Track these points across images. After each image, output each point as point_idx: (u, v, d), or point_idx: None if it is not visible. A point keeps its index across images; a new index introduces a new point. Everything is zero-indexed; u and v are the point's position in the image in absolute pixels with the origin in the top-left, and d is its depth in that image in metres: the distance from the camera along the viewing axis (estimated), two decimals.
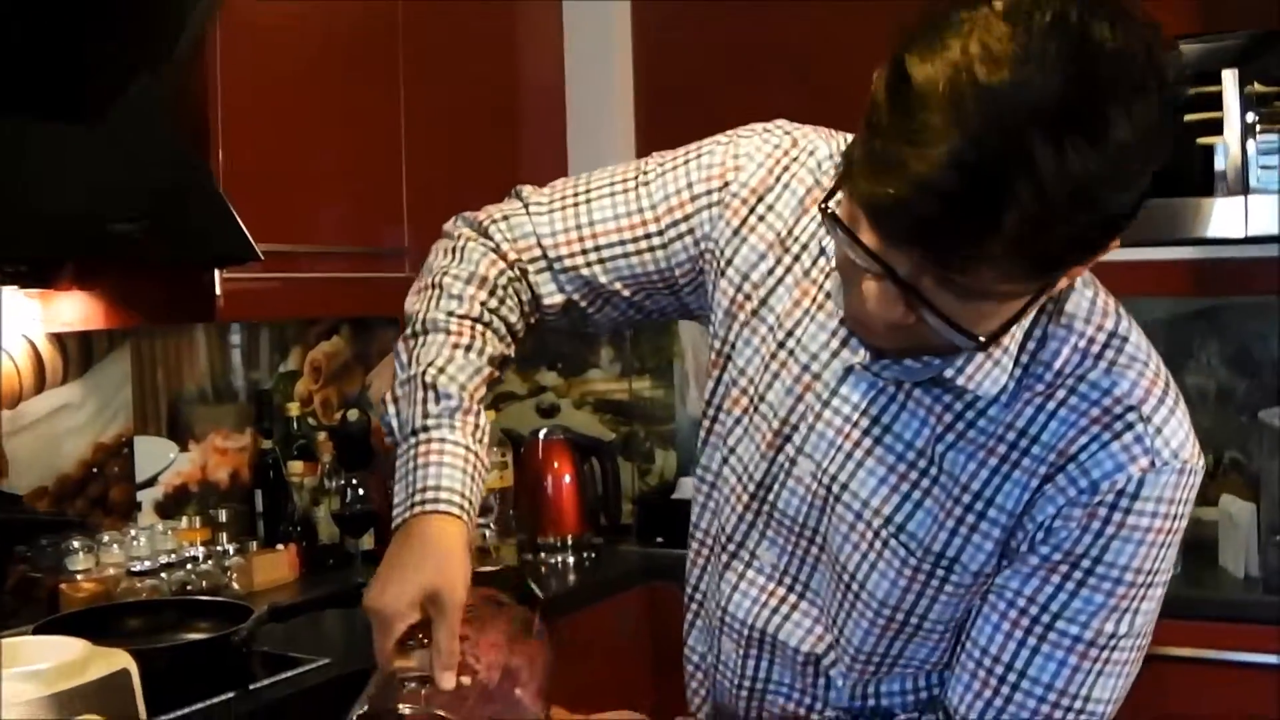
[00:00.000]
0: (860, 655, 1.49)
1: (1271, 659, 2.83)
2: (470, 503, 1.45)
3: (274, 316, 3.36)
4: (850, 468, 1.44)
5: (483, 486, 1.49)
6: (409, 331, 1.56)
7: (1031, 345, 1.38)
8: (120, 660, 1.56)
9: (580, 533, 3.56)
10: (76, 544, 2.85)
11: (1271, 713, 2.81)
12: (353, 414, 3.48)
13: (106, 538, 2.91)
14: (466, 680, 1.40)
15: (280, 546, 3.25)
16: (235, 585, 3.05)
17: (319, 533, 3.38)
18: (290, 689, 2.47)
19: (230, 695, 2.38)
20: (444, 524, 1.42)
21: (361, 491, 3.22)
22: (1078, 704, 1.41)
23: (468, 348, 1.52)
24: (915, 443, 1.41)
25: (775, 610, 1.54)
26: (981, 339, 1.23)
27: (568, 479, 3.57)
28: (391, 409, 1.52)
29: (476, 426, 1.49)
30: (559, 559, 3.55)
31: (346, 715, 1.40)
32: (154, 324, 3.10)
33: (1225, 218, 2.92)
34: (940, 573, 1.42)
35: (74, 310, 2.80)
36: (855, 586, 1.46)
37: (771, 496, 1.51)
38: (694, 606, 1.67)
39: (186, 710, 2.28)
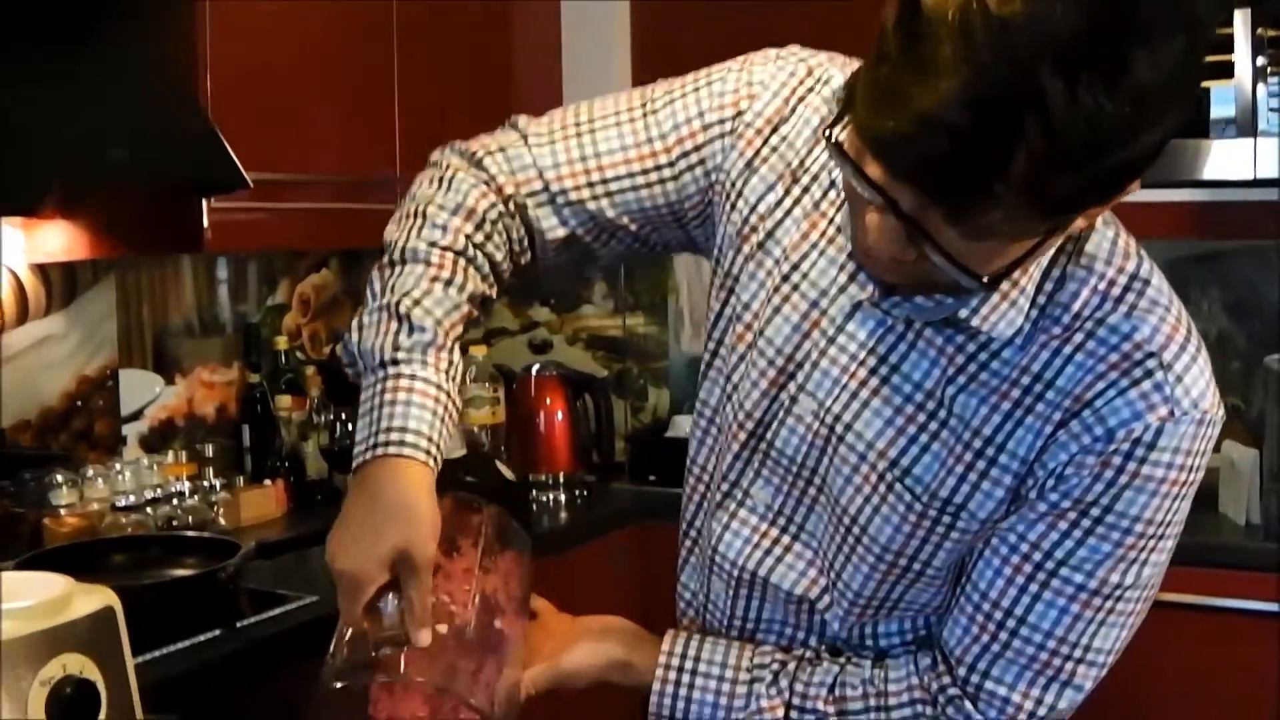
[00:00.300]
0: (859, 600, 1.46)
1: (1271, 606, 2.81)
2: (439, 448, 1.39)
3: (262, 247, 3.31)
4: (855, 408, 1.40)
5: (453, 430, 1.42)
6: (385, 260, 1.48)
7: (1049, 286, 1.33)
8: (105, 597, 1.51)
9: (572, 470, 3.52)
10: (60, 478, 2.81)
11: (1270, 660, 2.80)
12: (340, 348, 3.43)
13: (91, 472, 2.87)
14: (443, 628, 1.35)
15: (267, 482, 3.21)
16: (222, 521, 3.02)
17: (307, 468, 3.33)
18: (278, 627, 2.43)
19: (216, 633, 2.35)
20: (410, 471, 1.36)
21: (351, 426, 3.15)
22: (1077, 653, 1.38)
23: (447, 281, 1.45)
24: (924, 384, 1.37)
25: (768, 552, 1.50)
26: (986, 279, 1.19)
27: (560, 416, 3.52)
28: (356, 336, 1.44)
29: (451, 364, 1.43)
30: (550, 496, 3.51)
31: (318, 685, 1.35)
32: (140, 254, 3.04)
33: (1231, 160, 2.88)
34: (946, 519, 1.38)
35: (58, 240, 2.74)
36: (856, 530, 1.42)
37: (770, 435, 1.47)
38: (688, 543, 1.63)
39: (172, 648, 2.25)
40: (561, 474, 3.50)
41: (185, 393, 3.22)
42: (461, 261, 1.47)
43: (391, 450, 1.35)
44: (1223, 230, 3.24)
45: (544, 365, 3.66)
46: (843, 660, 1.49)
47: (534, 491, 3.48)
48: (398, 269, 1.46)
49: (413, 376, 1.39)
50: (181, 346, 3.22)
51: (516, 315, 4.07)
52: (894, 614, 1.47)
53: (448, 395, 1.41)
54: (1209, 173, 2.91)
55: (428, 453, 1.37)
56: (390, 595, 1.34)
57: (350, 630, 1.35)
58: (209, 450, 3.17)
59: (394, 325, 1.41)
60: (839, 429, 1.41)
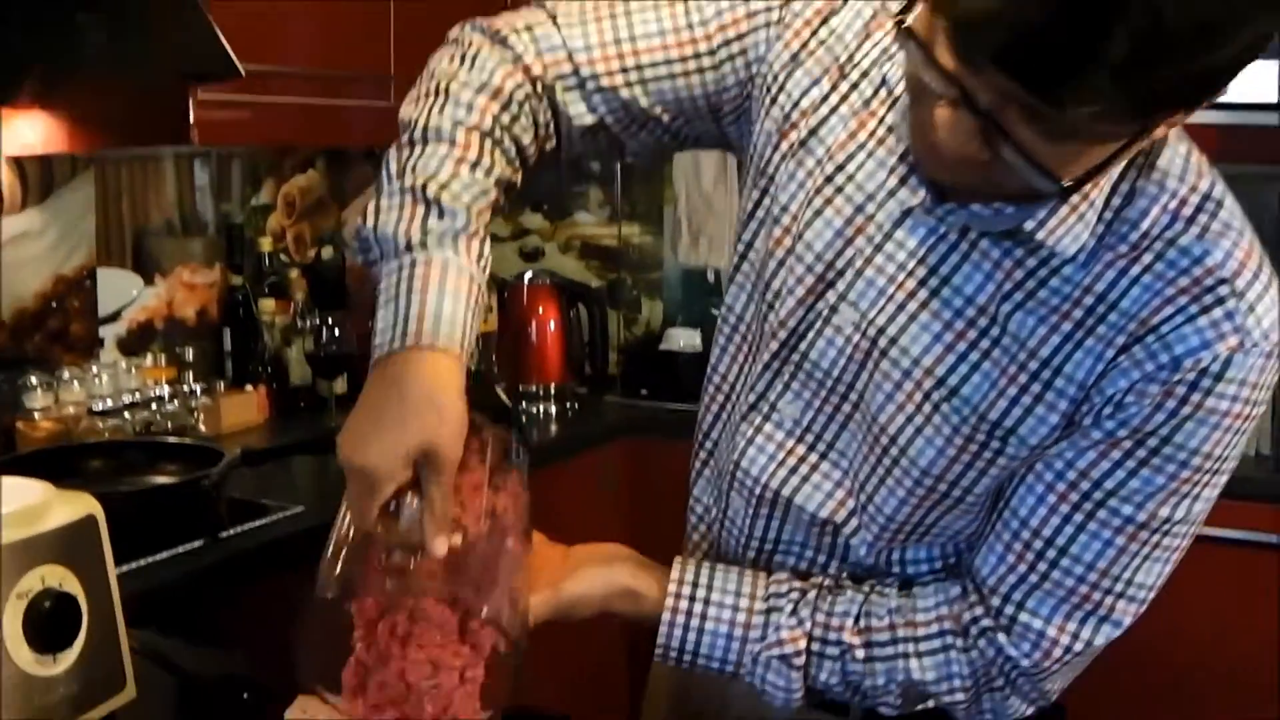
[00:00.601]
0: (890, 525, 1.38)
1: (1275, 538, 2.80)
2: (470, 343, 1.28)
3: (251, 141, 3.17)
4: (901, 320, 1.32)
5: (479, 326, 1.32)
6: (404, 139, 1.37)
7: (1117, 201, 1.25)
8: (86, 505, 1.42)
9: (563, 381, 3.43)
10: (34, 381, 2.74)
11: (1272, 590, 2.77)
12: (327, 251, 3.37)
13: (66, 375, 2.80)
14: (457, 540, 1.26)
15: (249, 388, 3.13)
16: (202, 427, 2.95)
17: (290, 375, 3.25)
18: (262, 538, 2.35)
19: (198, 544, 2.27)
20: (442, 365, 1.24)
21: (338, 332, 3.07)
22: (1118, 586, 1.31)
23: (474, 164, 1.34)
24: (976, 299, 1.29)
25: (793, 470, 1.42)
26: (1065, 184, 1.10)
27: (552, 326, 3.43)
28: (373, 221, 1.32)
29: (481, 254, 1.32)
30: (540, 408, 3.43)
31: (315, 589, 1.27)
32: (121, 146, 2.91)
33: (1255, 83, 2.82)
34: (995, 444, 1.30)
35: (34, 131, 2.62)
36: (894, 452, 1.34)
37: (804, 346, 1.39)
38: (703, 455, 1.55)
39: (152, 559, 2.16)
40: (552, 385, 3.41)
41: (165, 294, 3.11)
42: (488, 143, 1.36)
43: (424, 341, 1.24)
44: (1245, 154, 3.15)
45: (537, 273, 3.57)
46: (866, 589, 1.41)
47: (523, 403, 3.40)
48: (418, 149, 1.34)
49: (444, 264, 1.28)
50: (162, 246, 3.11)
51: (507, 221, 3.95)
52: (924, 540, 1.40)
53: (479, 289, 1.30)
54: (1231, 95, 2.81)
55: (461, 345, 1.26)
56: (408, 496, 1.24)
57: (356, 534, 1.26)
58: (189, 354, 3.09)
59: (420, 209, 1.30)
60: (881, 343, 1.33)
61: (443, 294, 1.26)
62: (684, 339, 3.61)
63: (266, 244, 3.28)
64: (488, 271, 1.33)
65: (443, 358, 1.24)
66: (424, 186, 1.31)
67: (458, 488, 1.27)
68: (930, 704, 1.40)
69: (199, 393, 2.97)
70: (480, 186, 1.34)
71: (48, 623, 1.33)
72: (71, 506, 1.41)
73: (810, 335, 1.38)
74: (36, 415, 2.70)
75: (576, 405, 3.46)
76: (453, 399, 1.23)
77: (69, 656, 1.37)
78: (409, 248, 1.28)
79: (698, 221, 3.72)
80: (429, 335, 1.24)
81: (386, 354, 1.25)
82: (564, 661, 2.21)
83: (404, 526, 1.24)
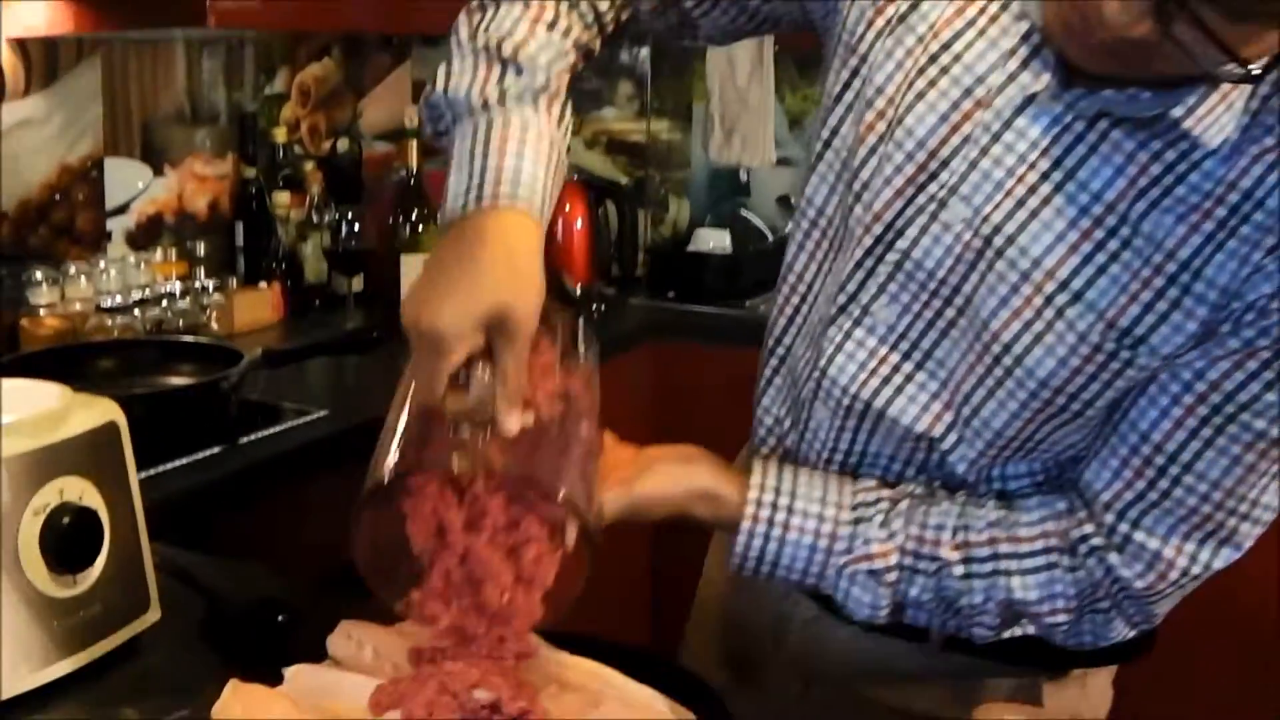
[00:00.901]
0: (996, 441, 1.27)
1: None
2: (549, 208, 1.20)
3: (269, 26, 3.00)
4: (1020, 217, 1.20)
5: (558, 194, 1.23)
6: (474, 4, 1.28)
7: (1264, 89, 1.12)
8: (106, 411, 1.31)
9: (590, 282, 3.29)
10: (39, 276, 2.59)
11: None
12: (343, 144, 3.24)
13: (72, 270, 2.66)
14: (529, 419, 1.15)
15: (262, 285, 3.00)
16: (214, 326, 2.82)
17: (305, 272, 3.11)
18: (285, 444, 2.22)
19: (216, 450, 2.14)
20: (521, 226, 1.16)
21: (357, 228, 2.93)
22: (1243, 507, 1.21)
23: (551, 24, 1.25)
24: (1105, 195, 1.17)
25: (886, 380, 1.31)
26: (1253, 69, 0.99)
27: (579, 223, 3.27)
28: (443, 84, 1.24)
29: (562, 118, 1.23)
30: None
31: (372, 470, 1.14)
32: (130, 28, 2.76)
33: None
34: (1124, 354, 1.18)
35: (38, 12, 2.47)
36: (1007, 361, 1.22)
37: (904, 244, 1.27)
38: (774, 362, 1.45)
39: (167, 466, 2.04)
40: (579, 285, 3.28)
41: (175, 186, 2.98)
42: (564, 5, 1.27)
43: (501, 201, 1.15)
44: None
45: None
46: (961, 499, 1.31)
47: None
48: (490, 11, 1.26)
49: (523, 123, 1.19)
50: (172, 136, 2.96)
51: None
52: (1029, 456, 1.29)
53: (560, 154, 1.21)
54: None
55: (540, 211, 1.17)
56: (479, 366, 1.13)
57: (417, 408, 1.15)
58: (200, 249, 2.96)
59: (495, 68, 1.21)
60: (997, 242, 1.21)
61: (521, 154, 1.17)
62: (713, 240, 3.49)
63: (280, 135, 3.13)
64: (568, 137, 1.25)
65: (522, 218, 1.16)
66: (499, 45, 1.22)
67: (529, 367, 1.16)
68: (1027, 627, 1.32)
69: (211, 290, 2.85)
70: (558, 48, 1.25)
71: (67, 540, 1.23)
72: (91, 412, 1.29)
73: (910, 231, 1.26)
74: (41, 312, 2.57)
75: (603, 307, 3.32)
76: (531, 262, 1.14)
77: (90, 576, 1.27)
78: (485, 107, 1.20)
79: (731, 118, 3.59)
80: (507, 195, 1.16)
81: (460, 215, 1.17)
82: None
83: (473, 399, 1.13)
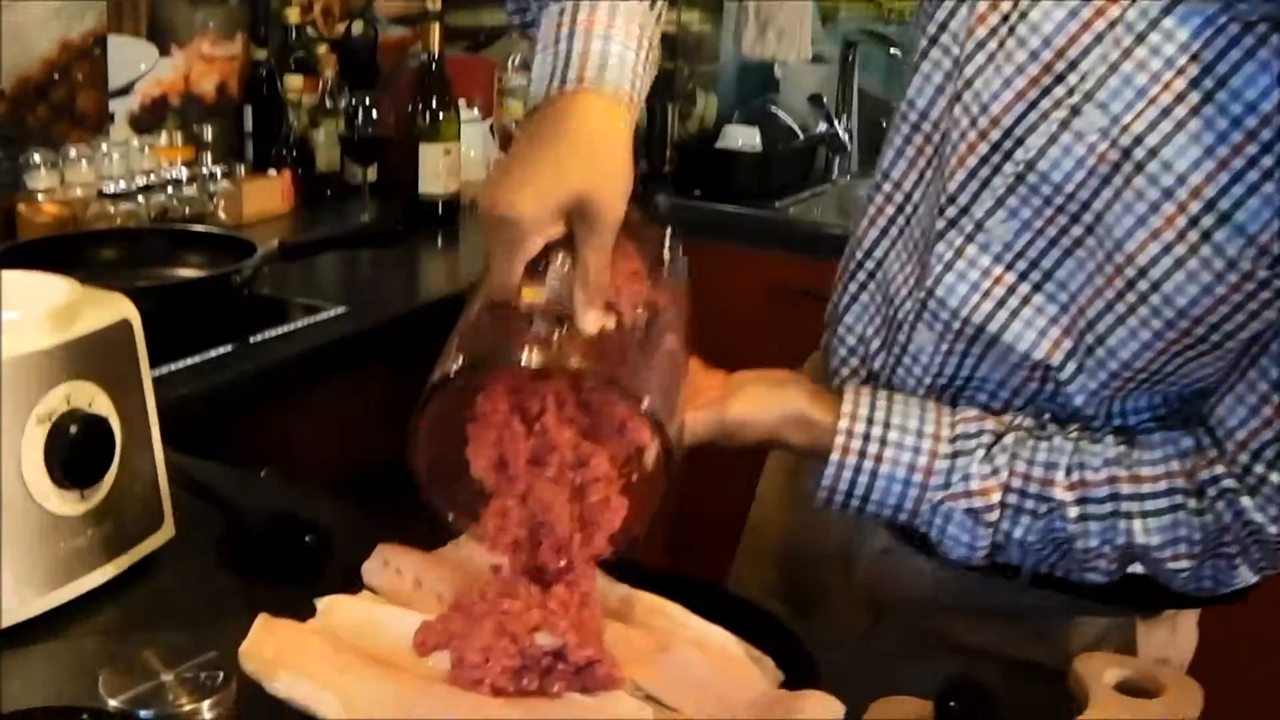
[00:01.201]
0: (1123, 372, 1.15)
1: None
2: (641, 97, 1.11)
3: None
4: (1166, 128, 1.07)
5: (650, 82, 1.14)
6: None
7: None
8: (119, 307, 1.18)
9: None
10: (37, 158, 2.46)
11: None
12: (358, 26, 3.10)
13: (73, 153, 2.52)
14: (610, 322, 1.04)
15: (272, 172, 2.87)
16: (221, 215, 2.69)
17: (317, 160, 2.97)
18: (299, 344, 2.09)
19: (228, 349, 2.01)
20: (607, 107, 1.07)
21: (374, 114, 2.78)
22: None
23: None
24: (1260, 106, 1.04)
25: (1000, 303, 1.19)
26: None
27: None
28: None
29: (654, 3, 1.15)
30: None
31: (440, 367, 1.02)
32: None
33: None
34: (1276, 283, 1.06)
35: None
36: (1143, 286, 1.10)
37: (1025, 154, 1.14)
38: (860, 277, 1.33)
39: (174, 367, 1.91)
40: None
41: (182, 67, 2.83)
42: None
43: (589, 83, 1.07)
44: None
45: None
46: (1075, 433, 1.19)
47: None
48: None
49: (612, 7, 1.10)
50: (179, 13, 2.81)
51: None
52: (1155, 388, 1.17)
53: (651, 42, 1.13)
54: None
55: (630, 97, 1.08)
56: (559, 257, 1.03)
57: (490, 301, 1.04)
58: (207, 134, 2.81)
59: None
60: (1138, 154, 1.08)
61: (610, 35, 1.09)
62: (743, 138, 3.35)
63: (293, 15, 2.98)
64: (660, 24, 1.16)
65: (610, 103, 1.07)
66: None
67: (613, 271, 1.05)
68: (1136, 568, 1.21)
69: (218, 176, 2.71)
70: None
71: (75, 451, 1.11)
72: (102, 309, 1.17)
73: (1034, 140, 1.14)
74: (40, 197, 2.44)
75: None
76: (618, 148, 1.05)
77: (99, 491, 1.15)
78: None
79: (766, 11, 3.43)
80: (593, 78, 1.07)
81: (545, 100, 1.08)
82: None
83: (551, 292, 1.03)
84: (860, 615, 1.40)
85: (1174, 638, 1.36)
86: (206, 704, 0.87)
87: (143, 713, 0.86)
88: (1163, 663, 1.33)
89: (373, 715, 0.95)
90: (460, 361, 1.01)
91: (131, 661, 0.91)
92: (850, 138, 3.49)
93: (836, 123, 3.47)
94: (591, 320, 1.02)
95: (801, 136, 3.49)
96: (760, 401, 1.22)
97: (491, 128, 3.05)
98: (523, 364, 1.01)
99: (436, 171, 2.83)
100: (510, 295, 1.03)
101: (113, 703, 0.87)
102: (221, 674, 0.90)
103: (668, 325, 1.09)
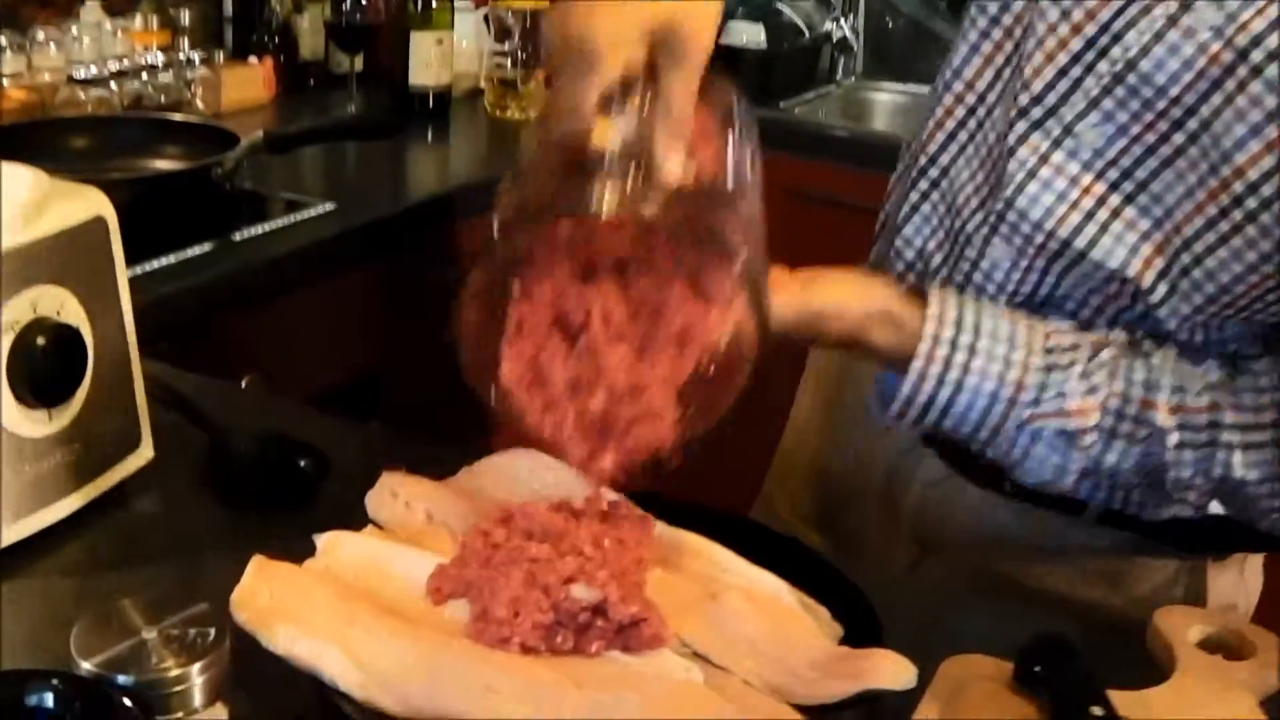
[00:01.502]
0: (1219, 297, 1.04)
1: None
2: None
3: None
4: None
5: None
6: None
7: None
8: (92, 203, 1.06)
9: None
10: (3, 40, 2.37)
11: None
12: None
13: (41, 35, 2.44)
14: (691, 171, 0.90)
15: (252, 60, 2.76)
16: (199, 103, 2.59)
17: (300, 47, 2.85)
18: (285, 242, 1.98)
19: (207, 247, 1.88)
20: None
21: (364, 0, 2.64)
22: None
23: None
24: None
25: (1089, 215, 1.07)
26: None
27: None
28: None
29: None
30: None
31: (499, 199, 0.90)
32: None
33: None
34: None
35: None
36: (1252, 204, 0.99)
37: (1124, 51, 1.04)
38: (923, 185, 1.21)
39: (150, 266, 1.79)
40: None
41: None
42: None
43: None
44: None
45: None
46: (1173, 354, 1.09)
47: None
48: None
49: None
50: None
51: None
52: (1258, 318, 1.06)
53: None
54: None
55: None
56: (638, 88, 0.90)
57: (558, 137, 0.91)
58: (184, 17, 2.69)
59: None
60: (1255, 57, 0.97)
61: None
62: (747, 34, 3.20)
63: None
64: None
65: None
66: None
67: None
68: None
69: (196, 63, 2.60)
70: None
71: (42, 365, 0.99)
72: (73, 204, 1.04)
73: (1133, 36, 1.03)
74: (5, 82, 2.34)
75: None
76: None
77: (70, 409, 1.03)
78: None
79: None
80: None
81: None
82: None
83: (627, 128, 0.89)
84: (904, 551, 1.30)
85: (1242, 581, 1.27)
86: (196, 668, 0.75)
87: (120, 678, 0.74)
88: (1230, 608, 1.25)
89: (388, 677, 0.82)
90: (519, 209, 0.89)
91: (108, 613, 0.79)
92: (856, 37, 3.36)
93: (844, 22, 3.33)
94: (674, 162, 0.89)
95: (808, 35, 3.35)
96: (853, 290, 1.11)
97: (486, 18, 2.90)
98: (591, 210, 0.87)
99: (428, 61, 2.71)
100: (582, 125, 0.89)
101: (86, 665, 0.75)
102: (213, 631, 0.78)
103: (748, 190, 0.96)
